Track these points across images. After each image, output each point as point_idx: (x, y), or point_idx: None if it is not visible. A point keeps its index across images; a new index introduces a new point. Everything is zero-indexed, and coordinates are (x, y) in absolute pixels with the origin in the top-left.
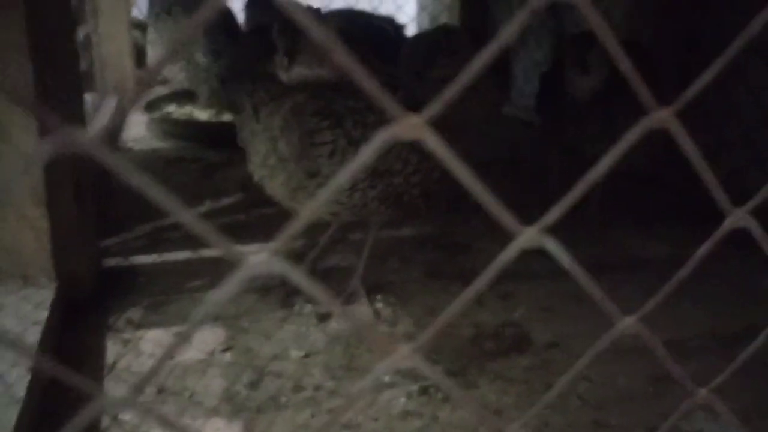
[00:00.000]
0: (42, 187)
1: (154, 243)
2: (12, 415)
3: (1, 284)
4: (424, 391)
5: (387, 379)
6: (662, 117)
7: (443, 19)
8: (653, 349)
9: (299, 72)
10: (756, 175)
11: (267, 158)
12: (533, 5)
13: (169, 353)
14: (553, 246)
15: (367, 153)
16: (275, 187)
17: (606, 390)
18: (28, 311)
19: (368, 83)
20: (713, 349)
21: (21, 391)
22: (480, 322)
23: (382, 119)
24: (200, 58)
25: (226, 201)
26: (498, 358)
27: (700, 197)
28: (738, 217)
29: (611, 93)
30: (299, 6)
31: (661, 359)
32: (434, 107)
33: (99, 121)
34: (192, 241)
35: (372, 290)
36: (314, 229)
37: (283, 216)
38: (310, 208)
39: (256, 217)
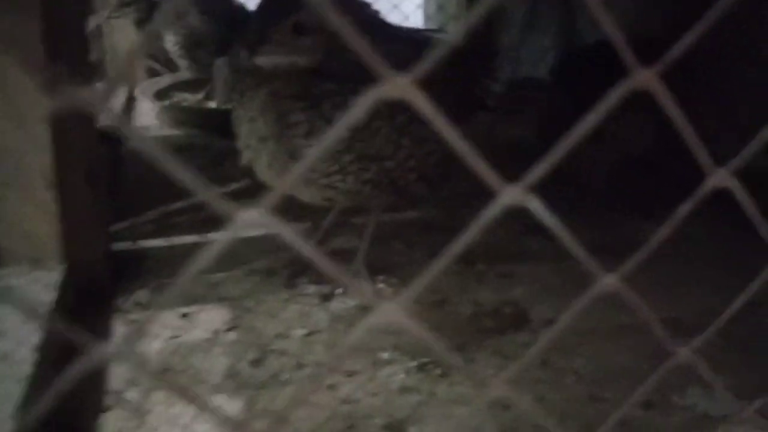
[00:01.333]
0: (53, 170)
1: (163, 227)
2: (17, 393)
3: (11, 267)
4: (422, 367)
5: (386, 356)
6: (645, 76)
7: (451, 7)
8: (634, 307)
9: (263, 62)
10: (729, 142)
11: (248, 138)
12: None
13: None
14: (535, 204)
15: (354, 112)
16: (263, 170)
17: (601, 366)
18: (37, 293)
19: (358, 43)
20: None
21: (27, 369)
22: (479, 301)
23: None
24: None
25: (234, 187)
26: (496, 335)
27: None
28: (719, 177)
29: None
30: None
31: (643, 316)
32: (422, 67)
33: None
34: (199, 226)
35: (375, 271)
36: (317, 214)
37: (290, 201)
38: (305, 161)
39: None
